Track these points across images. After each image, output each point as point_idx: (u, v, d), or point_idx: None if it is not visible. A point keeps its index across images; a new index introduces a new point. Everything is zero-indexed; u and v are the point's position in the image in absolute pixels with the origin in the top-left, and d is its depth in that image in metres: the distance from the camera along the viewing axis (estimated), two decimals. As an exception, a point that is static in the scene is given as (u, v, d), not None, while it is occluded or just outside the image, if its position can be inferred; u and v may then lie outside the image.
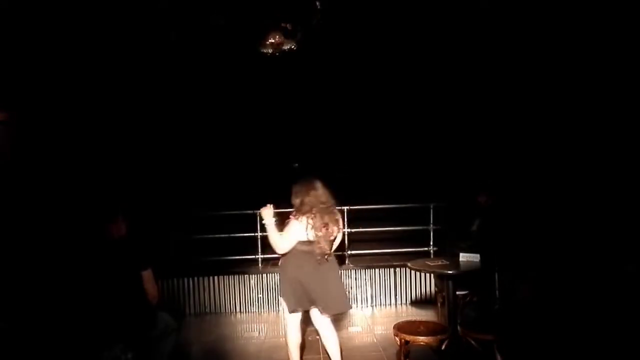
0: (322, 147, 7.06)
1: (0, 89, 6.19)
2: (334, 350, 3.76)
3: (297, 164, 7.52)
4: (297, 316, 3.75)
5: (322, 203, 3.55)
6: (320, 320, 3.74)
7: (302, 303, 3.67)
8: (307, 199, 3.54)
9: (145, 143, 6.68)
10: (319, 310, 3.67)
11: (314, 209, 3.52)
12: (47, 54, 5.67)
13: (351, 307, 4.15)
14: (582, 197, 5.01)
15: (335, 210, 3.65)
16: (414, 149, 6.93)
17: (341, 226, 3.78)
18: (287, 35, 4.21)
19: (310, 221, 3.51)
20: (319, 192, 3.56)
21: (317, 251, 3.53)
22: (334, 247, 3.74)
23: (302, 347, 4.13)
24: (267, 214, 3.60)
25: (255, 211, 5.77)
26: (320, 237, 3.51)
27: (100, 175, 6.29)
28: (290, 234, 3.56)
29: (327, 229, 3.54)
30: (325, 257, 3.59)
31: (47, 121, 6.55)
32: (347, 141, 7.11)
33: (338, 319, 5.43)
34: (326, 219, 3.54)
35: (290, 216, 3.62)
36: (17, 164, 6.42)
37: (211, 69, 6.37)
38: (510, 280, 4.55)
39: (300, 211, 3.56)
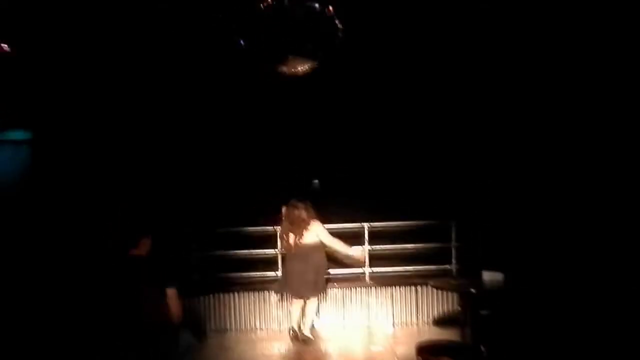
0: (343, 164, 7.08)
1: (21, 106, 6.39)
2: (305, 321, 5.16)
3: (317, 181, 7.54)
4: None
5: (289, 219, 5.02)
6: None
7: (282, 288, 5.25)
8: (283, 215, 5.10)
9: (166, 160, 6.78)
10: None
11: (285, 222, 5.09)
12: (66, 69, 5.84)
13: (309, 297, 5.10)
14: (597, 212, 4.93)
15: (303, 224, 4.95)
16: (437, 165, 6.89)
17: (312, 235, 4.98)
18: (308, 55, 4.26)
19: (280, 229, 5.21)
20: (290, 213, 4.99)
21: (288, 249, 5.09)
22: (340, 248, 5.12)
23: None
24: None
25: (275, 228, 5.82)
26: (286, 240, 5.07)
27: (122, 193, 6.40)
28: None
29: (289, 236, 5.00)
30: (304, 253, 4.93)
31: (68, 139, 6.72)
32: (367, 157, 7.12)
33: (359, 338, 5.39)
34: (292, 229, 5.00)
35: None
36: (39, 180, 6.59)
37: (230, 84, 6.46)
38: (535, 299, 4.47)
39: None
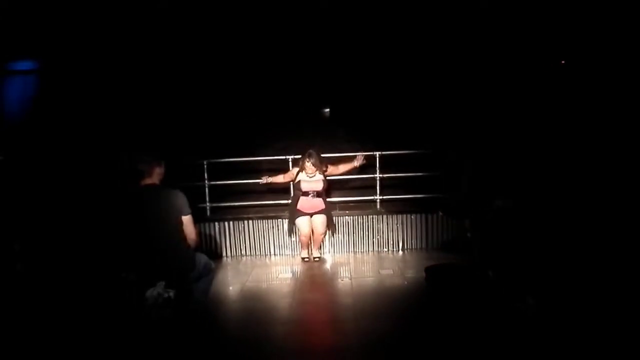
0: (354, 92, 6.96)
1: (28, 37, 6.26)
2: (315, 237, 5.59)
3: (328, 110, 7.48)
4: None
5: (304, 166, 5.41)
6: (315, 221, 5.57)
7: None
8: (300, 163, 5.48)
9: (179, 90, 6.72)
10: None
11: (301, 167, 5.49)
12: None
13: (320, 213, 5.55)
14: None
15: (316, 171, 5.44)
16: (451, 94, 6.75)
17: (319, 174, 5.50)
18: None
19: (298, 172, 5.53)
20: (306, 162, 5.37)
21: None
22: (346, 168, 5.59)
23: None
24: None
25: (287, 157, 5.85)
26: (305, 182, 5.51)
27: (137, 123, 6.41)
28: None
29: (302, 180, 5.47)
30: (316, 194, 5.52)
31: (78, 68, 6.63)
32: (380, 85, 6.98)
33: (369, 262, 5.56)
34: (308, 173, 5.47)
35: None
36: (48, 111, 6.59)
37: (243, 9, 6.27)
38: (545, 227, 4.52)
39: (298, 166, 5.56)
